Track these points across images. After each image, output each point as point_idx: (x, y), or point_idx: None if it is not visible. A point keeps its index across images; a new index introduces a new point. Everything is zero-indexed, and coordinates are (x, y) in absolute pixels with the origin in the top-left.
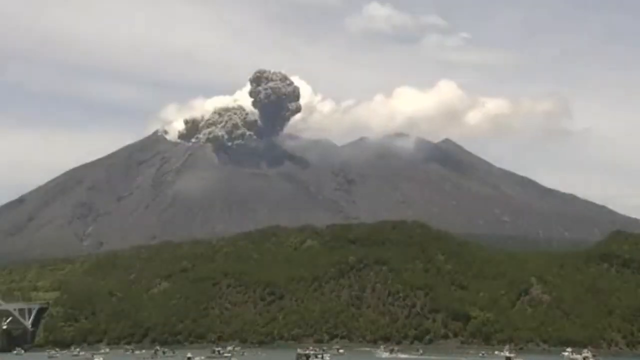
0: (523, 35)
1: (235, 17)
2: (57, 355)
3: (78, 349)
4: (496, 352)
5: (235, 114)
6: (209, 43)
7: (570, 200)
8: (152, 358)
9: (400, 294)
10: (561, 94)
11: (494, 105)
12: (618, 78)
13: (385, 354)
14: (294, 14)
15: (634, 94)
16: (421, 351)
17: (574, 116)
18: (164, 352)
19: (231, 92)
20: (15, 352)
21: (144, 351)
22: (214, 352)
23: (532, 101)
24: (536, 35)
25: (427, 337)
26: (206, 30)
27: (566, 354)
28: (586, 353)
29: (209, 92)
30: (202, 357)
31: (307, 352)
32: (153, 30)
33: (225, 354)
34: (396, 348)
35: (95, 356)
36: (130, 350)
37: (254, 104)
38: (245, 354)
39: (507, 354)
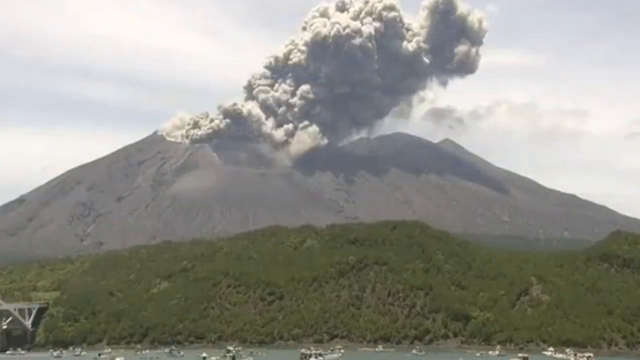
0: (508, 34)
1: (207, 16)
2: (54, 355)
3: (79, 349)
4: (490, 353)
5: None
6: (185, 42)
7: (570, 200)
8: (167, 357)
9: (400, 294)
10: (560, 94)
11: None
12: (618, 76)
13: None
14: (261, 12)
15: (633, 93)
16: (424, 352)
17: (575, 116)
18: (179, 352)
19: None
20: (9, 352)
21: (148, 351)
22: (229, 351)
23: (530, 102)
24: (523, 34)
25: (427, 337)
26: (180, 29)
27: (548, 353)
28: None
29: (201, 92)
30: (218, 358)
31: (310, 351)
32: (147, 32)
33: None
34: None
35: (116, 358)
36: (140, 350)
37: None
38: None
39: (498, 353)
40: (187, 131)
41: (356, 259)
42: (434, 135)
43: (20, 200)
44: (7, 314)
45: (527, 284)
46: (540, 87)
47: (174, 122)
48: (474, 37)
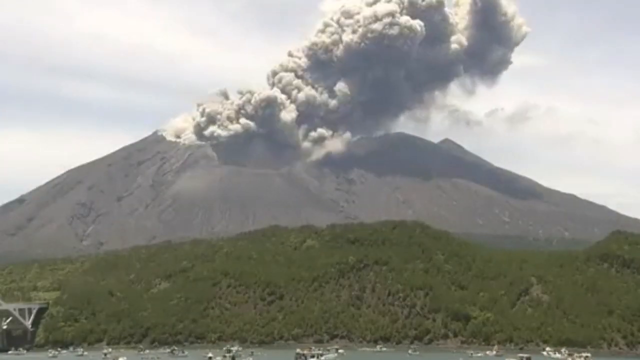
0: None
1: (205, 16)
2: (49, 355)
3: (81, 349)
4: (487, 353)
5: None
6: (184, 42)
7: (570, 200)
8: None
9: (400, 294)
10: (559, 95)
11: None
12: (620, 77)
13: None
14: (254, 12)
15: (632, 94)
16: (418, 352)
17: (573, 117)
18: (182, 352)
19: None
20: (11, 352)
21: (148, 351)
22: (229, 351)
23: (529, 102)
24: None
25: (427, 337)
26: (180, 29)
27: (545, 353)
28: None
29: (202, 91)
30: (219, 358)
31: (305, 352)
32: (146, 32)
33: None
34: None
35: (119, 358)
36: (142, 350)
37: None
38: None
39: (495, 353)
40: (198, 126)
41: (356, 259)
42: (434, 135)
43: (20, 200)
44: (7, 314)
45: (527, 284)
46: (544, 88)
47: (185, 119)
48: (512, 41)
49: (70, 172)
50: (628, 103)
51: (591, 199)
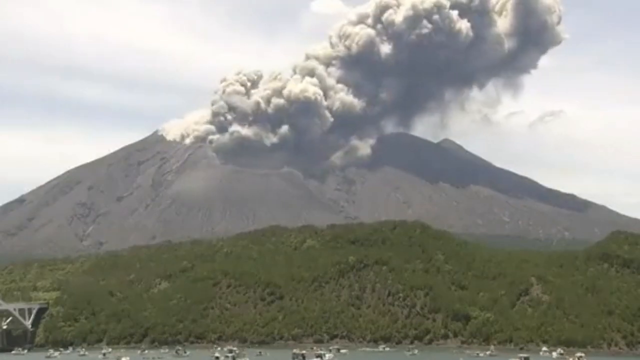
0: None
1: (206, 16)
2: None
3: (83, 349)
4: (486, 353)
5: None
6: (184, 43)
7: (570, 200)
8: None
9: (400, 294)
10: (560, 96)
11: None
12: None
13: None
14: (248, 11)
15: (630, 95)
16: (415, 352)
17: (571, 117)
18: (185, 352)
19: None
20: (14, 352)
21: (147, 351)
22: (231, 351)
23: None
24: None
25: (427, 337)
26: (180, 30)
27: (541, 353)
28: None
29: (202, 91)
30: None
31: (304, 352)
32: (146, 32)
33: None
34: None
35: (122, 358)
36: (143, 350)
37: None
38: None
39: (490, 353)
40: (219, 119)
41: (356, 259)
42: (434, 135)
43: (20, 200)
44: (7, 314)
45: (527, 284)
46: (545, 89)
47: (202, 116)
48: (547, 46)
49: (70, 172)
50: (628, 103)
51: (591, 199)
